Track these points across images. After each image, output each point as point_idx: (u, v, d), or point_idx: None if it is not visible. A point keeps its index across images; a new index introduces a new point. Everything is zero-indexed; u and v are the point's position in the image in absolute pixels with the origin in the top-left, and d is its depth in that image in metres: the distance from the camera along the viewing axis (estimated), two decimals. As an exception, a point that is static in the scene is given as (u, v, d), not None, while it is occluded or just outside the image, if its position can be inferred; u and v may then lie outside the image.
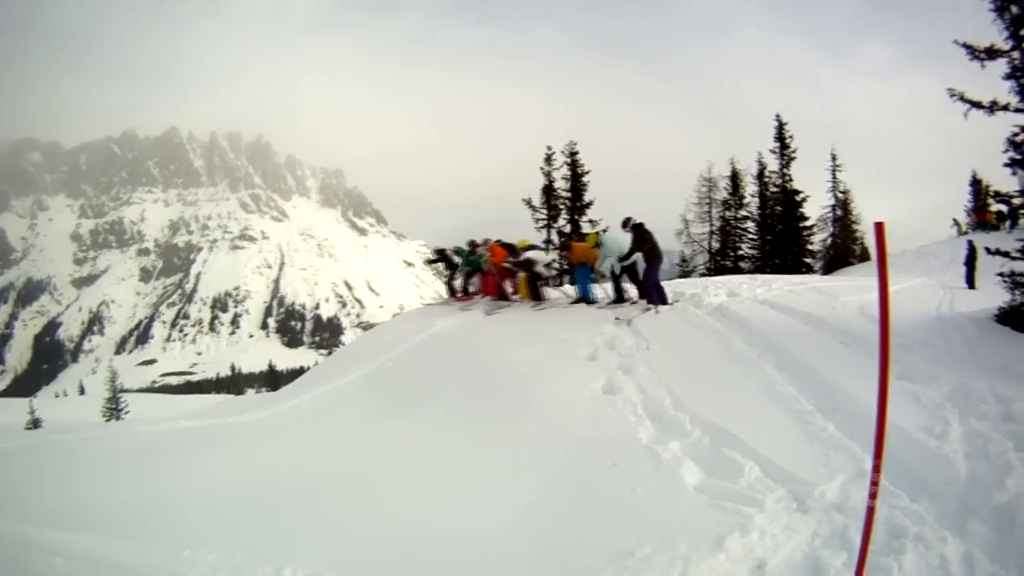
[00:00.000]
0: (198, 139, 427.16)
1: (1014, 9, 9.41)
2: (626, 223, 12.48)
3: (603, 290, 13.50)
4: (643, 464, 5.92)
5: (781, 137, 35.75)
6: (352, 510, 5.82)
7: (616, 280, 12.86)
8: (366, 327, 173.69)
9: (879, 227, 2.94)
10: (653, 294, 12.02)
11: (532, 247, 14.85)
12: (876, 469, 3.33)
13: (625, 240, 12.19)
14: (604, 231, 13.77)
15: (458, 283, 17.00)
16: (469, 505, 5.73)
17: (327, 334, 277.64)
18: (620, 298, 12.79)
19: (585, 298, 13.74)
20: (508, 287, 15.12)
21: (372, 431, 8.13)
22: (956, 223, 35.26)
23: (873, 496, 3.37)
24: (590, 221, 31.49)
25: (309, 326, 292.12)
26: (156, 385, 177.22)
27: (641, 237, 12.09)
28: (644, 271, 12.11)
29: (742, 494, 5.20)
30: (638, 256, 11.93)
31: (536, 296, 14.22)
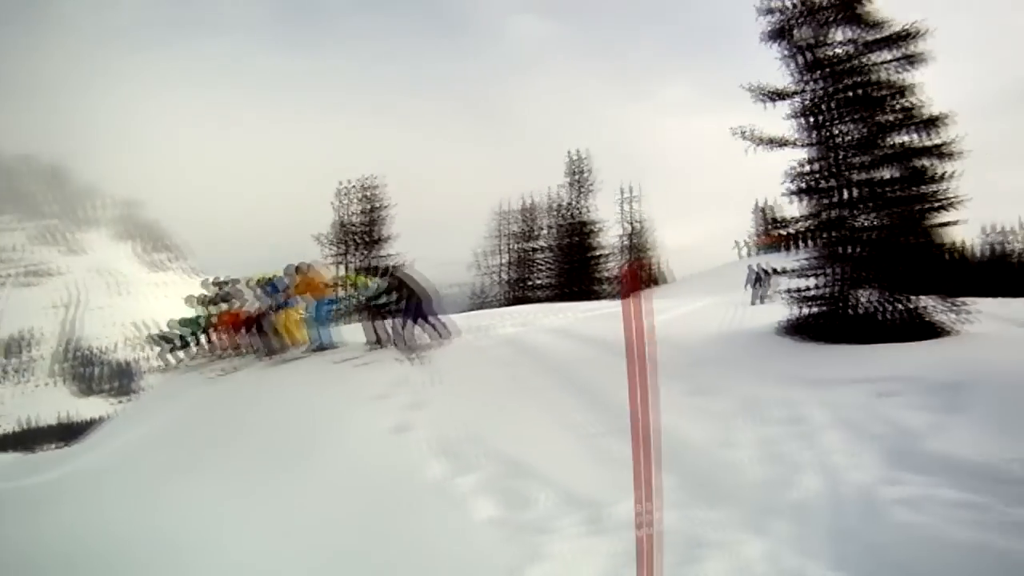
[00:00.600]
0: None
1: (804, 56, 10.63)
2: (385, 271, 12.54)
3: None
4: (436, 503, 5.57)
5: (577, 170, 37.71)
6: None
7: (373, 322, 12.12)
8: (164, 370, 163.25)
9: (630, 270, 2.86)
10: (411, 333, 11.44)
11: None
12: (647, 498, 3.31)
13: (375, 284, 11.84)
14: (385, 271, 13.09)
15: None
16: (268, 557, 5.30)
17: (125, 380, 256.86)
18: (378, 340, 11.88)
19: (321, 345, 12.10)
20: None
21: (170, 490, 7.20)
22: (738, 244, 39.22)
23: (642, 525, 3.32)
24: (388, 256, 30.84)
25: (104, 372, 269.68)
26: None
27: (397, 283, 11.69)
28: (404, 312, 11.51)
29: (536, 524, 4.95)
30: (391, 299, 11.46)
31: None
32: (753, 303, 19.06)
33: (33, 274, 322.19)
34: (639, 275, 3.02)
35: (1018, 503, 4.24)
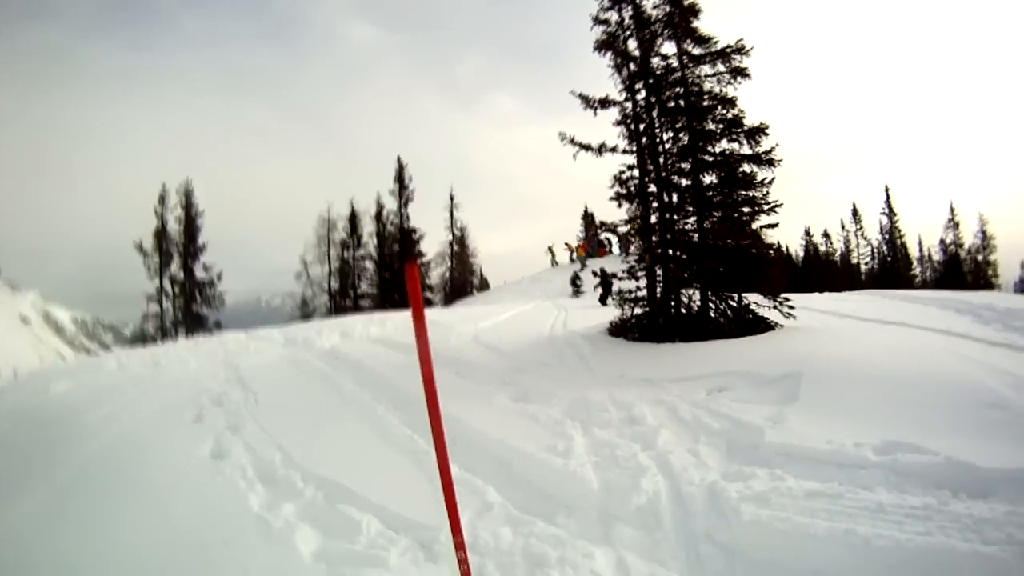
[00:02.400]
0: None
1: (632, 66, 11.00)
2: None
3: None
4: (255, 537, 4.93)
5: (401, 178, 38.54)
6: None
7: None
8: None
9: (411, 269, 2.85)
10: None
11: None
12: (459, 547, 3.18)
13: None
14: None
15: None
16: None
17: None
18: None
19: None
20: None
21: None
22: (550, 251, 40.02)
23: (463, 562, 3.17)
24: (204, 266, 30.18)
25: None
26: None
27: None
28: None
29: (363, 553, 4.46)
30: None
31: None
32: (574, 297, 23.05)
33: None
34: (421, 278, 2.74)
35: (870, 486, 4.19)
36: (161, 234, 29.46)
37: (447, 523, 4.51)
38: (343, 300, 35.68)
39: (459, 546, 3.16)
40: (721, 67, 10.46)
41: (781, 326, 9.77)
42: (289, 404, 8.44)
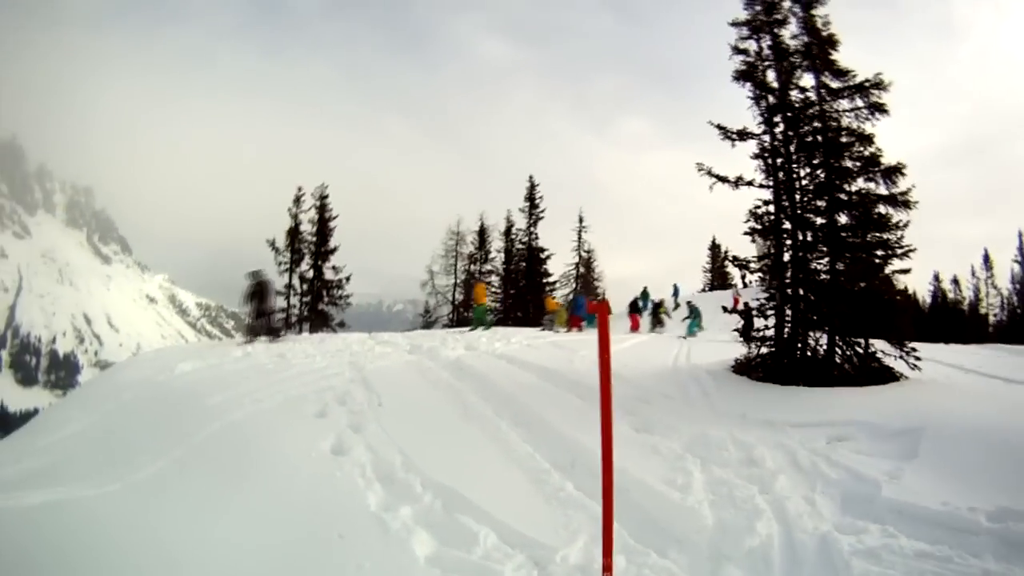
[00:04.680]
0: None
1: (770, 99, 10.86)
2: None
3: None
4: (371, 534, 5.14)
5: (532, 197, 38.68)
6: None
7: None
8: (103, 366, 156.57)
9: (602, 306, 2.94)
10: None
11: None
12: (607, 554, 3.25)
13: None
14: None
15: None
16: None
17: (63, 372, 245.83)
18: None
19: None
20: None
21: (95, 494, 6.58)
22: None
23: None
24: (333, 268, 31.31)
25: (44, 362, 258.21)
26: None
27: None
28: None
29: (478, 564, 4.57)
30: None
31: None
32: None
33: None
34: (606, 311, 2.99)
35: (979, 554, 4.14)
36: (294, 233, 30.79)
37: (563, 544, 4.78)
38: (467, 312, 36.19)
39: (607, 568, 3.26)
40: (859, 102, 10.28)
41: (906, 377, 9.46)
42: (412, 410, 8.60)
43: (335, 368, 11.19)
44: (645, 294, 32.73)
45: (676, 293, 34.67)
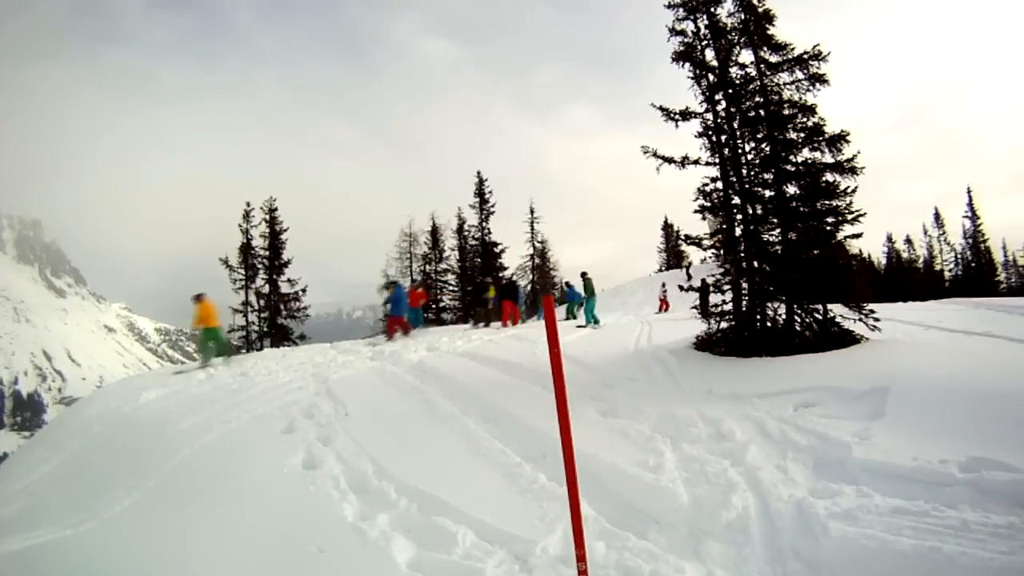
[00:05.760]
0: None
1: (711, 77, 10.96)
2: None
3: None
4: (350, 545, 5.11)
5: (481, 192, 38.96)
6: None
7: None
8: (68, 403, 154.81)
9: (547, 300, 3.13)
10: None
11: None
12: (580, 559, 3.25)
13: None
14: None
15: None
16: None
17: (28, 413, 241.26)
18: None
19: None
20: None
21: (74, 533, 6.55)
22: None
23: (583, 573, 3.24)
24: (289, 280, 31.16)
25: (8, 404, 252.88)
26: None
27: None
28: None
29: (459, 564, 4.60)
30: None
31: None
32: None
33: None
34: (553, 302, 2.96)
35: (955, 504, 4.21)
36: (246, 249, 30.51)
37: (542, 536, 4.75)
38: (426, 314, 36.21)
39: (580, 558, 3.26)
40: (799, 74, 10.40)
41: (867, 339, 9.63)
42: (380, 416, 8.63)
43: (299, 382, 11.17)
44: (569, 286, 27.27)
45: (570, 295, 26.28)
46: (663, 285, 34.19)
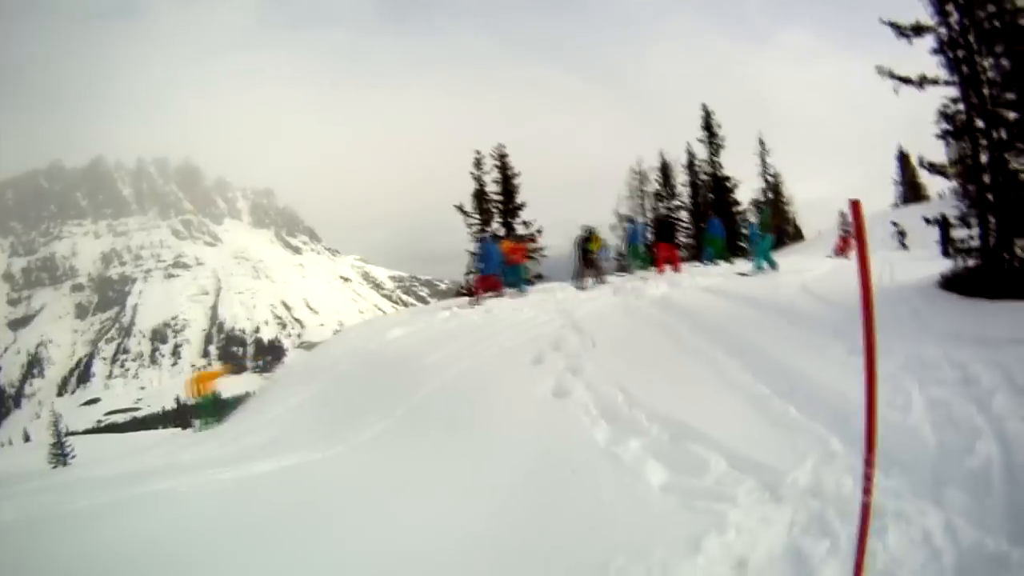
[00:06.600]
0: (125, 167, 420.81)
1: None
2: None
3: None
4: (604, 468, 5.59)
5: (708, 126, 37.24)
6: (326, 545, 5.19)
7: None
8: (308, 346, 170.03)
9: (855, 205, 2.85)
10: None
11: None
12: (869, 463, 3.14)
13: None
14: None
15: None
16: (430, 526, 5.28)
17: (269, 357, 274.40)
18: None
19: None
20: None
21: (323, 457, 7.51)
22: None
23: (867, 492, 3.17)
24: (524, 223, 31.74)
25: (251, 350, 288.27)
26: (102, 424, 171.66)
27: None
28: None
29: (711, 490, 4.94)
30: None
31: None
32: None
33: (177, 266, 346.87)
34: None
35: None
36: (480, 195, 31.50)
37: (792, 467, 5.04)
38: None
39: (869, 463, 3.17)
40: None
41: None
42: (626, 348, 8.94)
43: (543, 317, 11.68)
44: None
45: (633, 236, 22.99)
46: (841, 216, 27.14)
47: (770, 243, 16.74)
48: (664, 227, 20.60)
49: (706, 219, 28.01)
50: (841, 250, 22.61)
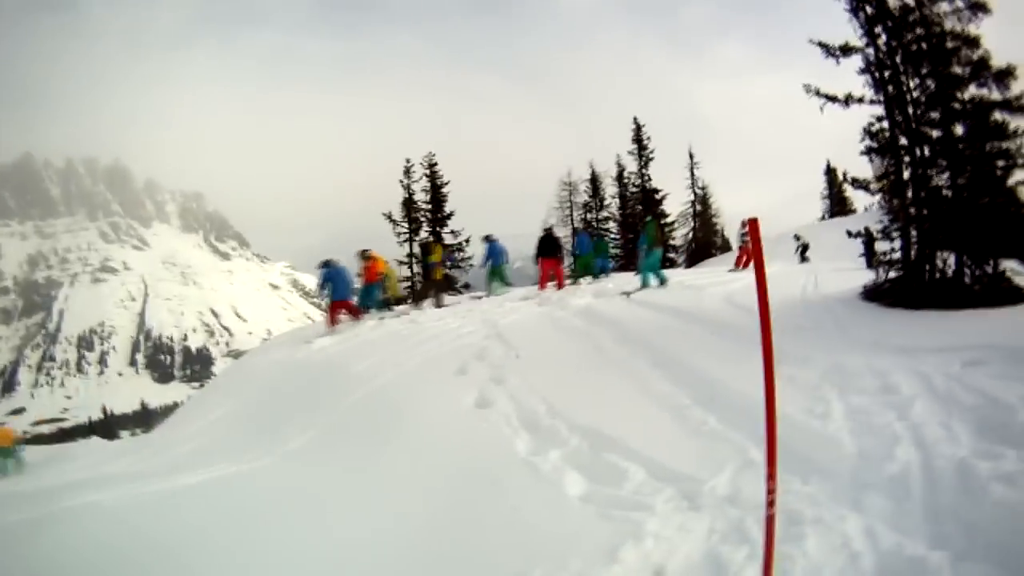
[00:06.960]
0: (54, 165, 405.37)
1: (868, 9, 10.51)
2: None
3: None
4: (523, 478, 5.49)
5: (639, 138, 38.70)
6: (253, 558, 5.02)
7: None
8: (236, 355, 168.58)
9: (753, 223, 2.93)
10: None
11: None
12: (771, 477, 3.16)
13: None
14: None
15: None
16: (355, 537, 5.15)
17: (198, 366, 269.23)
18: None
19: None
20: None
21: (250, 468, 7.24)
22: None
23: (771, 504, 3.16)
24: (452, 232, 32.17)
25: (179, 359, 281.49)
26: (28, 436, 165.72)
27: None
28: None
29: (629, 499, 4.89)
30: None
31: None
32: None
33: (104, 270, 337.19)
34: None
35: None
36: (409, 203, 32.04)
37: (711, 475, 5.03)
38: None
39: (771, 476, 3.19)
40: (959, 2, 9.78)
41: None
42: (550, 359, 8.95)
43: (469, 327, 11.69)
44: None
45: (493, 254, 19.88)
46: (743, 225, 23.44)
47: (658, 258, 15.83)
48: (547, 243, 18.12)
49: (576, 235, 27.61)
50: (742, 263, 21.75)
